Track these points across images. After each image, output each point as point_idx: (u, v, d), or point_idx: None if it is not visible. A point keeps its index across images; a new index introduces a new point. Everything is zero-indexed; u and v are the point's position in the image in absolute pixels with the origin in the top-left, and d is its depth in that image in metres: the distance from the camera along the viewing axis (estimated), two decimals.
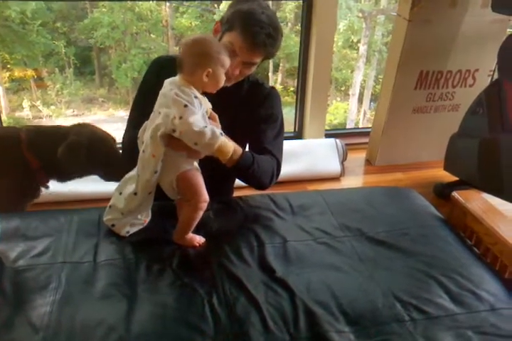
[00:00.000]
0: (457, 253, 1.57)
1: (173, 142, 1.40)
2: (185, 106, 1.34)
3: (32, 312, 1.26)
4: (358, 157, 3.26)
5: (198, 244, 1.54)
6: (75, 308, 1.28)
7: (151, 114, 1.46)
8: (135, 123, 1.60)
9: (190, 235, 1.54)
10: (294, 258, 1.51)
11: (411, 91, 2.97)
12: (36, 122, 10.33)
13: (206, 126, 1.36)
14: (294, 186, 2.80)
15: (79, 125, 2.10)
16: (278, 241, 1.58)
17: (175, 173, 1.46)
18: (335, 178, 2.99)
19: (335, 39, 10.42)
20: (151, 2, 10.02)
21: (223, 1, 9.62)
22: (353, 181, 3.01)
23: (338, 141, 3.12)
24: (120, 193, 1.55)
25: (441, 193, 2.69)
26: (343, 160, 3.10)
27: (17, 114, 10.41)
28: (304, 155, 2.98)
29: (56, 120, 10.43)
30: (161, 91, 1.43)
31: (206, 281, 1.40)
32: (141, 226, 1.58)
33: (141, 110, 1.61)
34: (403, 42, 2.80)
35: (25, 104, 10.43)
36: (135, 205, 1.51)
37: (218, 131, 1.39)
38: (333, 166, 3.01)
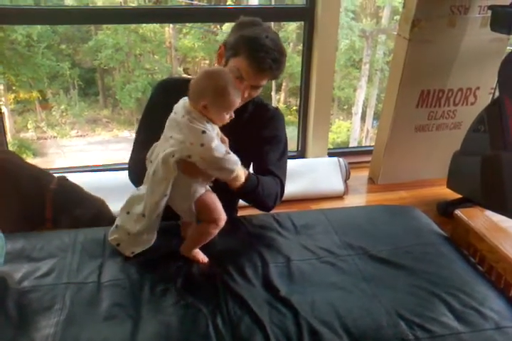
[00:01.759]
0: (461, 271, 1.57)
1: (189, 168, 1.41)
2: (203, 132, 1.36)
3: (36, 333, 1.26)
4: (360, 175, 3.27)
5: (201, 261, 1.55)
6: (79, 329, 1.28)
7: (162, 137, 1.47)
8: (143, 145, 1.60)
9: (197, 250, 1.55)
10: (298, 277, 1.51)
11: (413, 110, 2.99)
12: (41, 143, 10.39)
13: (229, 153, 1.39)
14: (298, 205, 2.80)
15: (93, 198, 2.18)
16: (281, 260, 1.58)
17: (192, 199, 1.47)
18: (338, 197, 2.99)
19: (337, 58, 10.52)
20: (154, 24, 10.12)
21: (226, 23, 9.73)
22: (356, 200, 3.01)
23: (340, 159, 3.13)
24: (127, 213, 1.56)
25: (445, 211, 2.69)
26: (346, 178, 3.10)
27: (22, 135, 10.47)
28: (307, 174, 2.98)
29: (60, 140, 10.48)
30: (172, 117, 1.45)
31: (210, 301, 1.40)
32: (146, 246, 1.58)
33: (148, 132, 1.64)
34: (404, 62, 2.82)
35: (30, 125, 10.51)
36: (143, 227, 1.51)
37: (235, 157, 1.42)
38: (336, 185, 3.01)
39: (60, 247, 1.60)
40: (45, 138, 10.53)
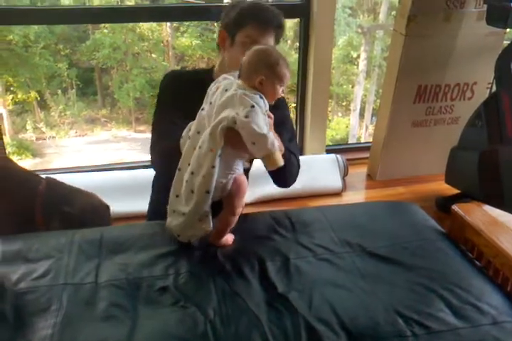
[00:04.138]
0: (458, 266, 1.57)
1: (234, 138, 1.42)
2: (252, 106, 1.39)
3: (33, 335, 1.26)
4: (359, 172, 3.26)
5: (230, 242, 1.63)
6: (77, 330, 1.28)
7: (198, 115, 1.53)
8: (168, 131, 1.71)
9: (225, 238, 1.62)
10: (296, 275, 1.51)
11: (410, 106, 2.98)
12: (40, 143, 10.39)
13: (268, 133, 1.40)
14: (296, 202, 2.80)
15: (81, 193, 2.14)
16: (279, 258, 1.58)
17: (228, 173, 1.50)
18: (336, 194, 2.98)
19: (335, 55, 10.51)
20: (151, 23, 10.11)
21: None
22: (355, 196, 3.00)
23: (338, 156, 3.12)
24: (177, 196, 1.56)
25: (443, 206, 2.68)
26: (345, 175, 3.10)
27: (20, 135, 10.47)
28: (305, 171, 2.93)
29: (59, 141, 10.49)
30: (219, 92, 1.49)
31: (208, 300, 1.40)
32: (202, 235, 1.59)
33: (170, 119, 1.75)
34: (400, 57, 2.81)
35: (29, 125, 10.51)
36: (193, 204, 1.50)
37: (277, 143, 1.43)
38: (335, 182, 3.00)
39: (56, 248, 1.59)
40: (44, 139, 10.55)
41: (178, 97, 1.75)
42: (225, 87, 1.50)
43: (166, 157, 1.74)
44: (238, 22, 1.73)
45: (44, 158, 10.04)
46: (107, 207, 2.13)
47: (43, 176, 2.13)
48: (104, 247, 1.60)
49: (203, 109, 1.53)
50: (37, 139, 10.53)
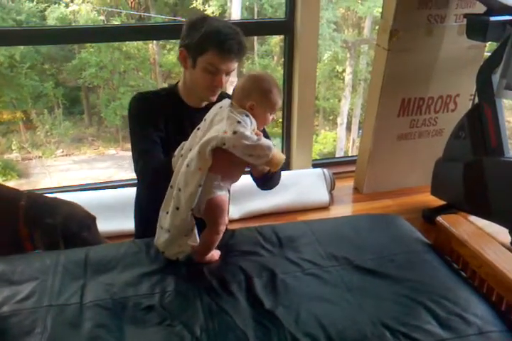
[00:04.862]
0: (444, 277, 1.57)
1: (223, 156, 1.43)
2: (239, 122, 1.42)
3: None
4: (346, 185, 3.27)
5: (217, 258, 1.64)
6: None
7: (192, 134, 1.56)
8: (153, 149, 1.74)
9: (209, 254, 1.61)
10: (282, 290, 1.51)
11: (394, 119, 3.00)
12: (25, 163, 10.33)
13: (259, 139, 1.42)
14: (284, 217, 2.80)
15: (62, 203, 2.13)
16: (266, 274, 1.58)
17: (205, 196, 1.50)
18: (324, 208, 2.99)
19: (321, 69, 10.59)
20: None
21: None
22: (342, 210, 3.01)
23: (325, 170, 3.13)
24: (167, 213, 1.56)
25: (430, 218, 2.69)
26: (331, 189, 3.10)
27: (6, 156, 10.40)
28: (292, 186, 2.98)
29: (46, 160, 10.43)
30: (212, 112, 1.54)
31: (195, 318, 1.39)
32: (189, 251, 1.59)
33: (151, 138, 1.76)
34: (384, 72, 2.84)
35: (14, 145, 10.45)
36: (179, 221, 1.52)
37: (271, 142, 1.45)
38: (322, 196, 3.01)
39: (40, 269, 1.58)
40: (30, 159, 10.49)
41: (149, 115, 1.78)
42: (220, 104, 1.54)
43: (154, 176, 1.74)
44: (199, 47, 1.69)
45: (30, 179, 9.98)
46: (93, 218, 2.11)
47: (25, 191, 2.12)
48: (89, 267, 1.59)
49: (198, 129, 1.55)
50: (23, 159, 10.47)
